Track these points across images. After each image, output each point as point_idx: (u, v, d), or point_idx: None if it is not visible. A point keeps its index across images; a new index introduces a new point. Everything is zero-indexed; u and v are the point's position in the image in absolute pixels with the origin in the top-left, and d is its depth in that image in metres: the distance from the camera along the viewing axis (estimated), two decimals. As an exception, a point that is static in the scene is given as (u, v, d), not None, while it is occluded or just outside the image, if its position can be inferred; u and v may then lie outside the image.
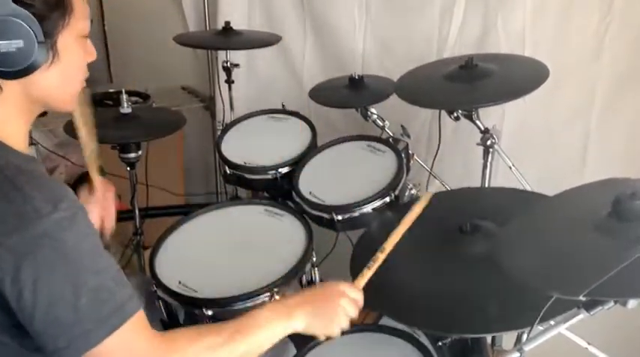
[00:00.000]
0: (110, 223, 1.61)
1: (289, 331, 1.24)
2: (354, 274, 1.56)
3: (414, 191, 2.01)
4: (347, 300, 1.31)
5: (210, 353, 1.14)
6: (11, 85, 1.08)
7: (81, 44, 1.14)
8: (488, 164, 1.93)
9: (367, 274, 1.39)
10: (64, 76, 1.12)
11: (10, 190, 1.01)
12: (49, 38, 1.06)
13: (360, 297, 1.34)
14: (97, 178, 1.59)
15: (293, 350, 1.62)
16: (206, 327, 1.22)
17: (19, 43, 1.02)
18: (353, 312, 1.32)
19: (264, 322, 1.21)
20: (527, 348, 1.24)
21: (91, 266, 1.04)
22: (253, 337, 1.18)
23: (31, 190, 1.01)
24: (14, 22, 1.01)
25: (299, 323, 1.25)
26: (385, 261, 1.42)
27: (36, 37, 1.03)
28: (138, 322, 1.07)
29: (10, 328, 1.04)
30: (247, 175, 2.19)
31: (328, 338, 1.34)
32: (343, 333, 1.58)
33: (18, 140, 1.12)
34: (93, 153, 1.59)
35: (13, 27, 1.01)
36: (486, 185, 1.97)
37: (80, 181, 1.62)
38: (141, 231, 2.59)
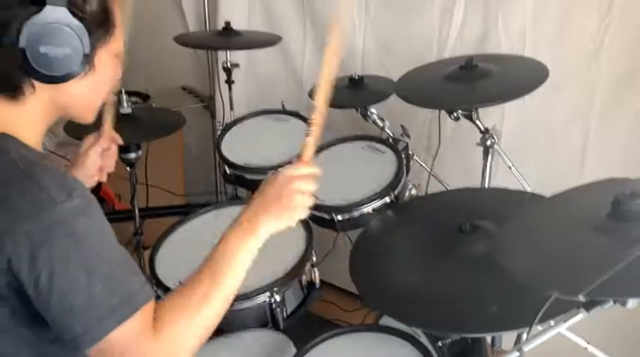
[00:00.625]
0: (104, 176, 1.61)
1: (261, 243, 1.22)
2: (353, 273, 1.56)
3: (413, 191, 2.01)
4: (298, 181, 1.25)
5: (196, 317, 1.13)
6: (43, 88, 1.11)
7: (113, 62, 1.19)
8: (488, 164, 1.94)
9: (310, 143, 1.32)
10: (93, 88, 1.17)
11: (25, 181, 1.03)
12: (91, 51, 1.10)
13: (310, 169, 1.28)
14: (108, 125, 1.61)
15: (292, 350, 1.62)
16: (182, 291, 1.16)
17: (66, 50, 1.07)
18: (309, 187, 1.26)
19: (235, 253, 1.19)
20: (526, 348, 1.24)
21: (103, 254, 1.06)
22: (230, 274, 1.17)
23: (46, 180, 1.04)
24: (66, 30, 1.06)
25: (266, 231, 1.22)
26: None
27: (83, 47, 1.08)
28: (148, 312, 1.08)
29: (28, 319, 1.06)
30: (247, 175, 2.19)
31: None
32: (342, 333, 1.59)
33: (33, 140, 1.15)
34: (112, 102, 1.61)
35: (64, 35, 1.06)
36: (486, 185, 1.97)
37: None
38: (141, 231, 2.59)
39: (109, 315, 1.03)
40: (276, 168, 2.11)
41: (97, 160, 1.58)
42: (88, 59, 1.10)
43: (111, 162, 1.61)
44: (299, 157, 1.30)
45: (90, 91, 1.17)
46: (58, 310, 1.02)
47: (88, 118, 1.23)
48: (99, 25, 1.11)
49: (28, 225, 1.00)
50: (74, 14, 1.07)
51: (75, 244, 1.02)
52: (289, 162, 2.05)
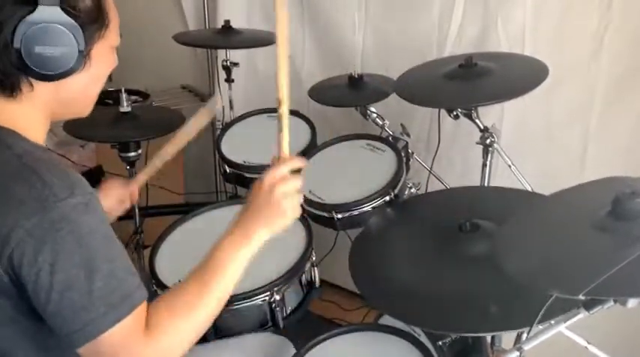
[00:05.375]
0: (113, 218, 1.69)
1: (255, 250, 1.23)
2: (353, 272, 1.56)
3: (413, 190, 2.01)
4: (282, 184, 1.26)
5: (189, 319, 1.14)
6: (42, 86, 1.12)
7: (109, 54, 1.20)
8: (488, 163, 1.93)
9: (283, 138, 1.36)
10: (90, 82, 1.18)
11: (30, 176, 1.04)
12: (86, 47, 1.12)
13: (290, 165, 1.30)
14: (141, 180, 1.77)
15: (292, 350, 1.62)
16: (175, 292, 1.18)
17: (62, 49, 1.08)
18: (294, 185, 1.28)
19: (228, 259, 1.20)
20: (526, 347, 1.24)
21: (104, 252, 1.06)
22: (222, 279, 1.19)
23: (49, 176, 1.05)
24: (61, 29, 1.07)
25: (259, 240, 1.24)
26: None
27: (78, 45, 1.09)
28: (142, 312, 1.09)
29: (29, 312, 1.07)
30: (247, 174, 2.19)
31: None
32: (342, 332, 1.59)
33: (37, 136, 1.17)
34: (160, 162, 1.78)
35: (59, 34, 1.07)
36: (486, 184, 1.97)
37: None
38: (141, 230, 2.59)
39: (107, 312, 1.04)
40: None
41: (109, 204, 1.65)
42: (84, 55, 1.12)
43: (115, 213, 1.69)
44: (277, 157, 1.32)
45: (88, 85, 1.18)
46: (57, 305, 1.02)
47: (86, 112, 1.25)
48: (93, 20, 1.12)
49: (32, 221, 1.01)
50: (67, 12, 1.08)
51: (77, 240, 1.03)
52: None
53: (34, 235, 1.01)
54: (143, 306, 1.10)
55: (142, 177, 1.81)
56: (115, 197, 1.69)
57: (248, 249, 1.22)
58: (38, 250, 1.01)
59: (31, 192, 1.03)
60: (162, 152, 1.80)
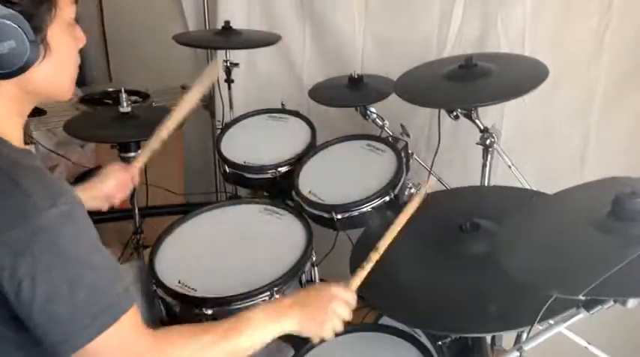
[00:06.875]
0: (106, 205, 1.70)
1: (281, 332, 1.25)
2: (354, 273, 1.56)
3: (413, 190, 2.01)
4: (339, 302, 1.30)
5: (200, 352, 1.15)
6: (6, 84, 1.07)
7: (70, 32, 1.14)
8: (488, 163, 1.93)
9: (360, 275, 1.39)
10: (57, 66, 1.12)
11: (9, 185, 1.01)
12: (39, 34, 1.06)
13: (352, 299, 1.34)
14: (138, 164, 1.78)
15: (291, 351, 1.62)
16: (198, 325, 1.21)
17: (10, 43, 1.02)
18: (345, 314, 1.31)
19: (257, 323, 1.22)
20: (527, 347, 1.24)
21: (87, 262, 1.04)
22: (244, 337, 1.19)
23: (29, 185, 1.01)
24: (3, 23, 1.01)
25: (291, 325, 1.26)
26: (381, 260, 1.41)
27: (26, 35, 1.03)
28: (131, 318, 1.07)
29: (10, 321, 1.05)
30: (247, 175, 2.19)
31: (322, 341, 1.34)
32: (342, 333, 1.58)
33: (13, 135, 1.12)
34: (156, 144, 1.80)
35: (2, 28, 1.01)
36: (486, 184, 1.96)
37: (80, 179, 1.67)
38: (141, 230, 2.59)
39: (90, 323, 1.02)
40: (275, 167, 2.12)
41: (110, 189, 1.66)
42: (38, 44, 1.05)
43: (119, 197, 1.70)
44: (347, 283, 1.37)
45: (55, 71, 1.11)
46: (39, 317, 1.01)
47: (65, 95, 1.19)
48: (37, 4, 1.05)
49: (11, 233, 0.98)
50: (5, 3, 1.01)
51: (58, 252, 1.00)
52: (289, 161, 2.08)
53: (13, 247, 0.98)
54: (132, 312, 1.08)
55: (141, 159, 1.80)
56: (115, 182, 1.68)
57: (275, 326, 1.24)
58: (18, 263, 0.98)
59: (10, 203, 1.00)
60: (159, 131, 1.80)
